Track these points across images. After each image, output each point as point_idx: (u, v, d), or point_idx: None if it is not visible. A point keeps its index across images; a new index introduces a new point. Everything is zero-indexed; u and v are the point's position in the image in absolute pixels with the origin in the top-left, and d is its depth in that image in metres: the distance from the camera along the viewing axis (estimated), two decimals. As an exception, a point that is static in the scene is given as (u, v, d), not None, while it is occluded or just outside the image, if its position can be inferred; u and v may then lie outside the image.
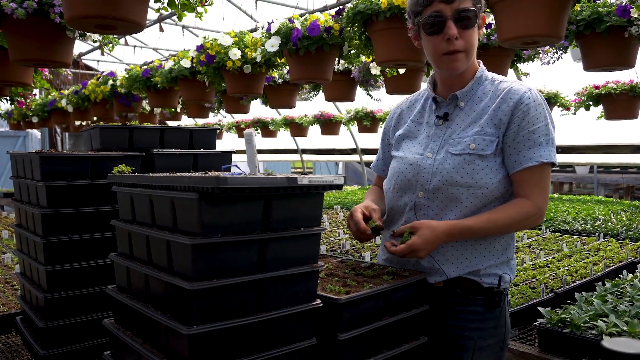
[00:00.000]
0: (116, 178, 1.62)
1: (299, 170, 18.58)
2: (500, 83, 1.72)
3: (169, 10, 2.38)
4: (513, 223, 1.65)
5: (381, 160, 2.00)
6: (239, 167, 1.43)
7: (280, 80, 5.21)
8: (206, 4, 2.43)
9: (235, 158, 2.48)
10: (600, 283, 2.76)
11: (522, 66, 4.24)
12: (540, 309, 2.27)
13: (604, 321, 2.07)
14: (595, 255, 3.72)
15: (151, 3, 2.26)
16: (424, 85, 1.91)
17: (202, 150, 2.34)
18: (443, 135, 1.71)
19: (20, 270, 2.30)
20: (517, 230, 1.76)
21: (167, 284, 1.31)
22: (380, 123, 7.89)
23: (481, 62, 1.78)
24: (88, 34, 2.85)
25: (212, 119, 10.97)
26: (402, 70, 4.02)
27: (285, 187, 1.28)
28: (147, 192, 1.41)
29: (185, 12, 2.38)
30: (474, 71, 1.74)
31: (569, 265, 3.40)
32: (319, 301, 1.41)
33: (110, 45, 3.29)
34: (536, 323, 2.21)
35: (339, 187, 1.38)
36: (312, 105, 6.92)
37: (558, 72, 5.17)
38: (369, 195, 2.00)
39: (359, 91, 5.02)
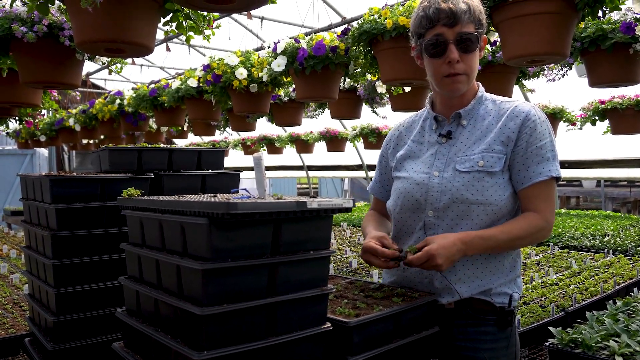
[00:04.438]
0: (126, 201, 1.63)
1: (304, 186, 18.59)
2: (502, 102, 1.74)
3: (177, 32, 2.41)
4: (525, 235, 1.65)
5: (378, 183, 2.00)
6: (247, 191, 1.44)
7: (286, 99, 5.24)
8: (213, 26, 2.46)
9: (241, 175, 2.49)
10: (611, 301, 2.74)
11: (527, 82, 4.25)
12: (551, 328, 2.25)
13: (616, 341, 2.04)
14: (605, 272, 3.69)
15: (160, 25, 2.29)
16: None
17: (210, 171, 2.35)
18: (448, 154, 1.72)
19: (29, 292, 2.31)
20: (527, 244, 1.76)
21: (177, 308, 1.31)
22: (386, 139, 7.87)
23: (480, 84, 1.81)
24: (97, 56, 2.89)
25: (218, 136, 11.02)
26: (407, 89, 4.04)
27: (294, 211, 1.29)
28: (156, 217, 1.42)
29: (193, 35, 2.41)
30: (474, 91, 1.77)
31: (579, 282, 3.38)
32: (329, 324, 1.41)
33: (119, 66, 3.32)
34: (547, 343, 2.19)
35: (348, 210, 1.39)
36: (317, 121, 6.95)
37: (563, 88, 5.17)
38: (370, 222, 1.95)
39: (365, 108, 5.04)
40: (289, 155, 10.87)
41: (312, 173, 12.70)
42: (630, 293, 3.06)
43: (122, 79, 10.41)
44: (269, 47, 3.89)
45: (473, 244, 1.60)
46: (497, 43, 3.48)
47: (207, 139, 11.59)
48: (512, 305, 1.72)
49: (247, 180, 12.39)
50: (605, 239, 5.03)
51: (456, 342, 1.72)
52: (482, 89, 1.78)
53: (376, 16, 3.07)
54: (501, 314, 1.70)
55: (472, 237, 1.60)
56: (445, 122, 1.77)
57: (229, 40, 6.09)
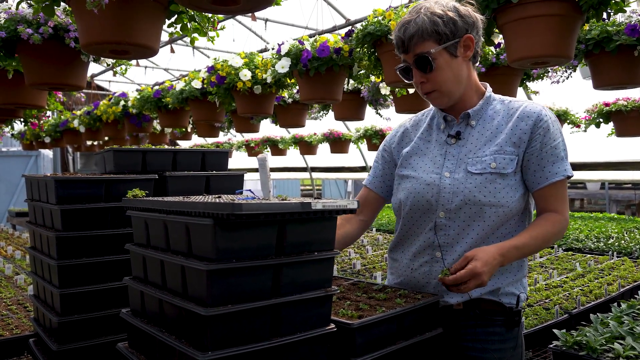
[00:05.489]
0: (130, 202, 1.63)
1: (308, 187, 18.59)
2: (510, 102, 1.75)
3: (181, 34, 2.42)
4: (550, 237, 1.67)
5: (380, 177, 1.96)
6: (252, 192, 1.44)
7: (290, 100, 5.24)
8: (218, 28, 2.46)
9: (245, 177, 2.49)
10: (615, 304, 2.73)
11: (531, 84, 4.24)
12: (555, 331, 2.24)
13: (621, 344, 2.04)
14: (610, 274, 3.68)
15: (164, 27, 2.29)
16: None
17: (214, 172, 2.35)
18: (458, 154, 1.73)
19: (33, 293, 2.31)
20: (550, 244, 1.78)
21: (181, 309, 1.31)
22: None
23: (487, 84, 1.81)
24: (102, 58, 2.90)
25: (222, 137, 11.04)
26: (411, 90, 4.04)
27: (299, 212, 1.29)
28: (161, 217, 1.42)
29: (197, 37, 2.42)
30: (481, 92, 1.78)
31: (583, 285, 3.37)
32: (333, 326, 1.41)
33: (123, 68, 3.34)
34: (551, 345, 2.19)
35: (352, 211, 1.39)
36: (321, 123, 6.95)
37: (568, 89, 5.16)
38: None
39: (368, 109, 5.04)
40: (293, 156, 10.87)
41: (315, 174, 12.71)
42: (635, 296, 3.05)
43: (126, 81, 10.44)
44: (273, 49, 3.90)
45: (510, 254, 1.60)
46: (502, 45, 3.48)
47: (210, 140, 11.61)
48: (519, 305, 1.74)
49: (251, 182, 12.40)
50: (609, 242, 5.02)
51: (463, 343, 1.72)
52: (489, 89, 1.79)
53: (380, 18, 3.08)
54: (509, 315, 1.71)
55: (507, 248, 1.59)
56: (454, 122, 1.77)
57: (233, 42, 6.10)
